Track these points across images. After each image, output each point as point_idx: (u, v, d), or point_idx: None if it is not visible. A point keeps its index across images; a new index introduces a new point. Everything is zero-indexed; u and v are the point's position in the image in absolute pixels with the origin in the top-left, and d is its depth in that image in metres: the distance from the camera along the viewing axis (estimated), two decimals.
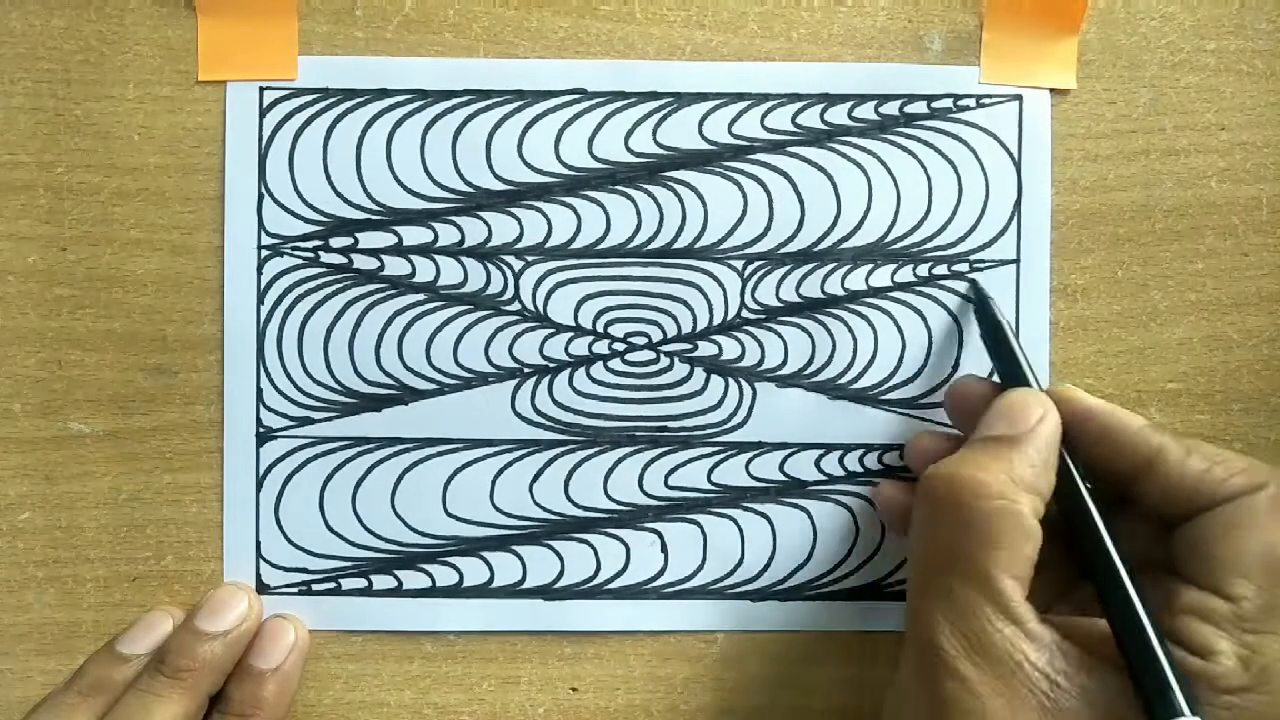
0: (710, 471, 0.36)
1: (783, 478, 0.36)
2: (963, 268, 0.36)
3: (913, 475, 0.34)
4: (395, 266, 0.35)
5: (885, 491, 0.34)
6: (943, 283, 0.36)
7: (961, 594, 0.27)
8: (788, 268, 0.36)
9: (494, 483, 0.36)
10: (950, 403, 0.34)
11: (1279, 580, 0.27)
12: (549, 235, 0.36)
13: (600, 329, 0.36)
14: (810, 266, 0.36)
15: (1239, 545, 0.27)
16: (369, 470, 0.35)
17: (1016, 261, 0.36)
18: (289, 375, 0.35)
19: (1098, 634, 0.28)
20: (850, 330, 0.36)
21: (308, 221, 0.35)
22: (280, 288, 0.35)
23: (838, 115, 0.36)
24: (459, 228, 0.36)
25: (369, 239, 0.35)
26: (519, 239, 0.36)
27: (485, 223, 0.36)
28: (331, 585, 0.35)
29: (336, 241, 0.35)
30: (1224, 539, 0.28)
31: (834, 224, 0.36)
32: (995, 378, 0.34)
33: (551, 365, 0.36)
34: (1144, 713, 0.26)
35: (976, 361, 0.35)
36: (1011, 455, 0.29)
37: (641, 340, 0.36)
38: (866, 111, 0.36)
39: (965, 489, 0.28)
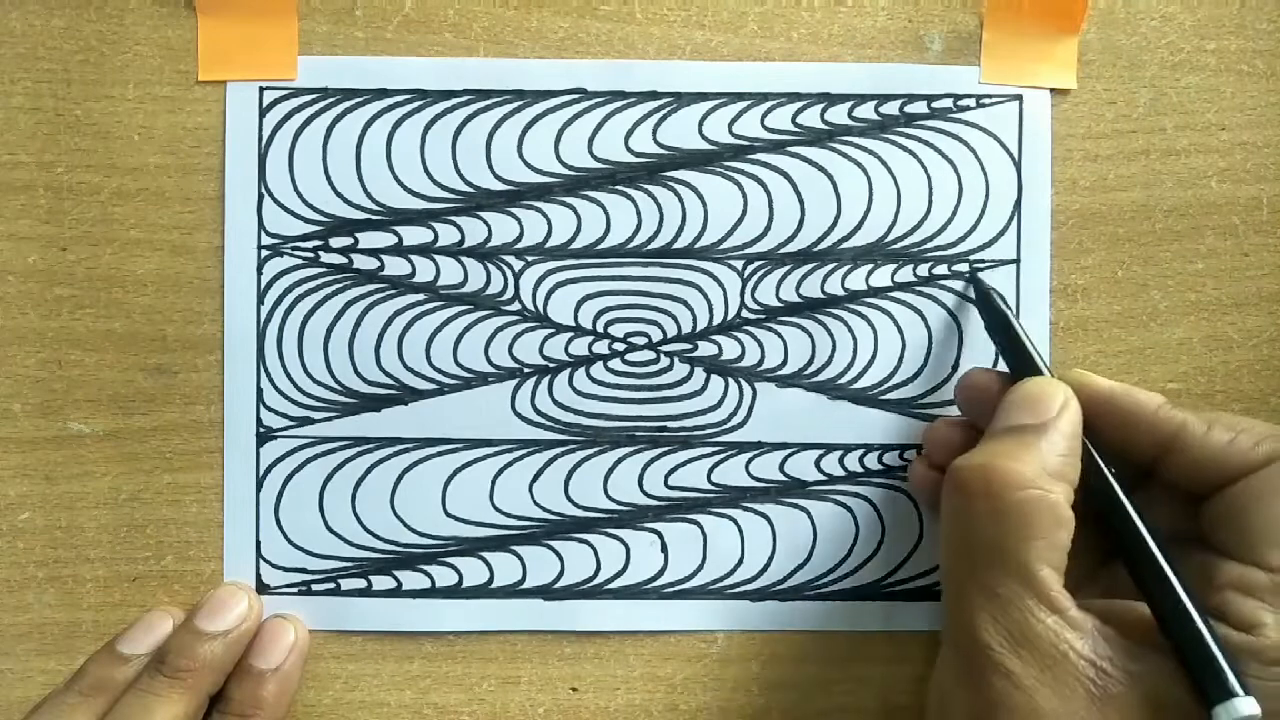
0: (710, 471, 0.36)
1: (783, 478, 0.36)
2: (963, 268, 0.36)
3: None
4: (395, 266, 0.35)
5: (919, 470, 0.34)
6: (943, 282, 0.36)
7: (1002, 587, 0.27)
8: (788, 268, 0.36)
9: (494, 483, 0.36)
10: (961, 395, 0.34)
11: None
12: (549, 235, 0.36)
13: (600, 329, 0.36)
14: (810, 266, 0.36)
15: (1273, 513, 0.27)
16: (369, 470, 0.35)
17: (1016, 261, 0.36)
18: (289, 375, 0.35)
19: (1136, 617, 0.27)
20: (850, 330, 0.36)
21: (308, 221, 0.35)
22: (280, 288, 0.35)
23: (838, 115, 0.36)
24: (459, 228, 0.36)
25: (369, 239, 0.35)
26: (519, 239, 0.36)
27: (485, 223, 0.36)
28: (331, 585, 0.35)
29: (336, 241, 0.35)
30: (1257, 508, 0.27)
31: (834, 224, 0.36)
32: (1000, 368, 0.34)
33: (551, 365, 0.36)
34: (1194, 694, 0.26)
35: (977, 361, 0.35)
36: (1039, 444, 0.28)
37: (641, 340, 0.36)
38: (867, 111, 0.36)
39: (998, 479, 0.28)
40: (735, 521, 0.36)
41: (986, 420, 0.31)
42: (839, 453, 0.36)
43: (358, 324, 0.35)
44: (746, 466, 0.36)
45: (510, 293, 0.36)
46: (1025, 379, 0.31)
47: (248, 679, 0.33)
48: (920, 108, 0.36)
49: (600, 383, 0.36)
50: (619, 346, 0.36)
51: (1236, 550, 0.28)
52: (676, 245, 0.36)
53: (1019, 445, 0.29)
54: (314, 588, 0.35)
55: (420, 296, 0.36)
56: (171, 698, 0.31)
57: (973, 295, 0.35)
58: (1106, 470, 0.29)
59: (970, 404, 0.33)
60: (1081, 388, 0.30)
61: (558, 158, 0.36)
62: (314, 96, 0.35)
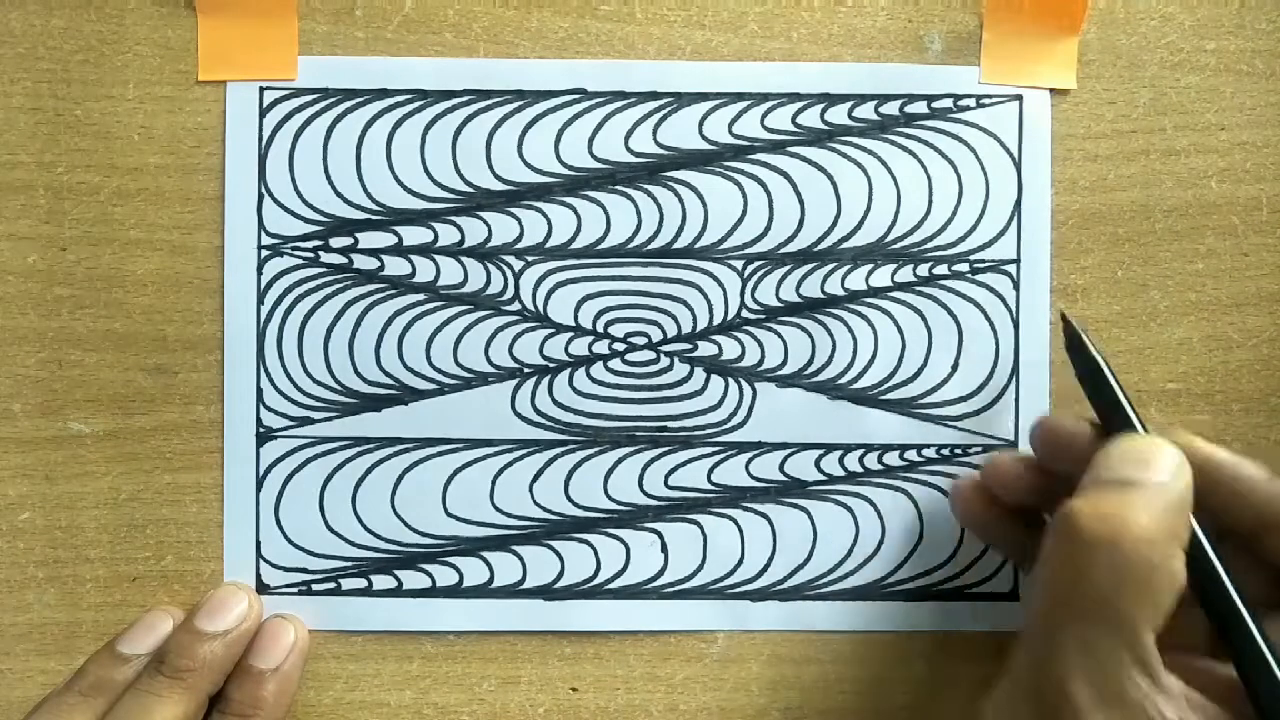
0: (710, 471, 0.36)
1: (783, 478, 0.36)
2: (963, 268, 0.36)
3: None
4: (395, 266, 0.35)
5: (968, 493, 0.33)
6: (943, 283, 0.36)
7: (1102, 643, 0.26)
8: (788, 268, 0.36)
9: (494, 483, 0.36)
10: (1043, 437, 0.32)
11: None
12: (549, 235, 0.36)
13: (600, 329, 0.36)
14: (810, 266, 0.36)
15: None
16: (369, 470, 0.35)
17: (1016, 261, 0.36)
18: (289, 375, 0.35)
19: (1224, 682, 0.27)
20: (850, 330, 0.36)
21: (308, 221, 0.35)
22: (280, 288, 0.35)
23: (838, 115, 0.36)
24: (459, 228, 0.36)
25: (369, 239, 0.35)
26: (519, 239, 0.36)
27: (485, 223, 0.36)
28: (331, 585, 0.35)
29: (336, 241, 0.35)
30: None
31: (834, 224, 0.36)
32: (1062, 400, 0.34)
33: (551, 365, 0.36)
34: None
35: (976, 361, 0.35)
36: (1160, 503, 0.27)
37: (641, 340, 0.36)
38: (866, 111, 0.36)
39: (1127, 535, 0.27)
40: (735, 521, 0.36)
41: (1063, 466, 0.30)
42: (839, 453, 0.36)
43: (358, 324, 0.35)
44: (746, 466, 0.36)
45: (510, 293, 0.36)
46: (1131, 434, 0.30)
47: (247, 679, 0.33)
48: (920, 108, 0.36)
49: (600, 383, 0.36)
50: (619, 346, 0.36)
51: None
52: (676, 245, 0.36)
53: (1142, 500, 0.27)
54: (314, 588, 0.35)
55: (420, 296, 0.36)
56: (171, 698, 0.31)
57: (1065, 337, 0.33)
58: (1203, 535, 0.29)
59: (1050, 448, 0.32)
60: (1190, 450, 0.29)
61: (558, 158, 0.36)
62: (314, 96, 0.35)
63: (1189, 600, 0.28)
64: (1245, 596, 0.28)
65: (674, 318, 0.36)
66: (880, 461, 0.36)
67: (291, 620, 0.35)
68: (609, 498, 0.36)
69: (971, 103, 0.36)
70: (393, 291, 0.36)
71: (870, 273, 0.36)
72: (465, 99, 0.35)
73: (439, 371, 0.35)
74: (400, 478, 0.35)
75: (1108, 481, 0.28)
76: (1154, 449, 0.29)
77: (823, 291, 0.36)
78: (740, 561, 0.36)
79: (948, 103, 0.36)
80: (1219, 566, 0.28)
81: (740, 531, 0.36)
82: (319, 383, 0.35)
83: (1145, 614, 0.26)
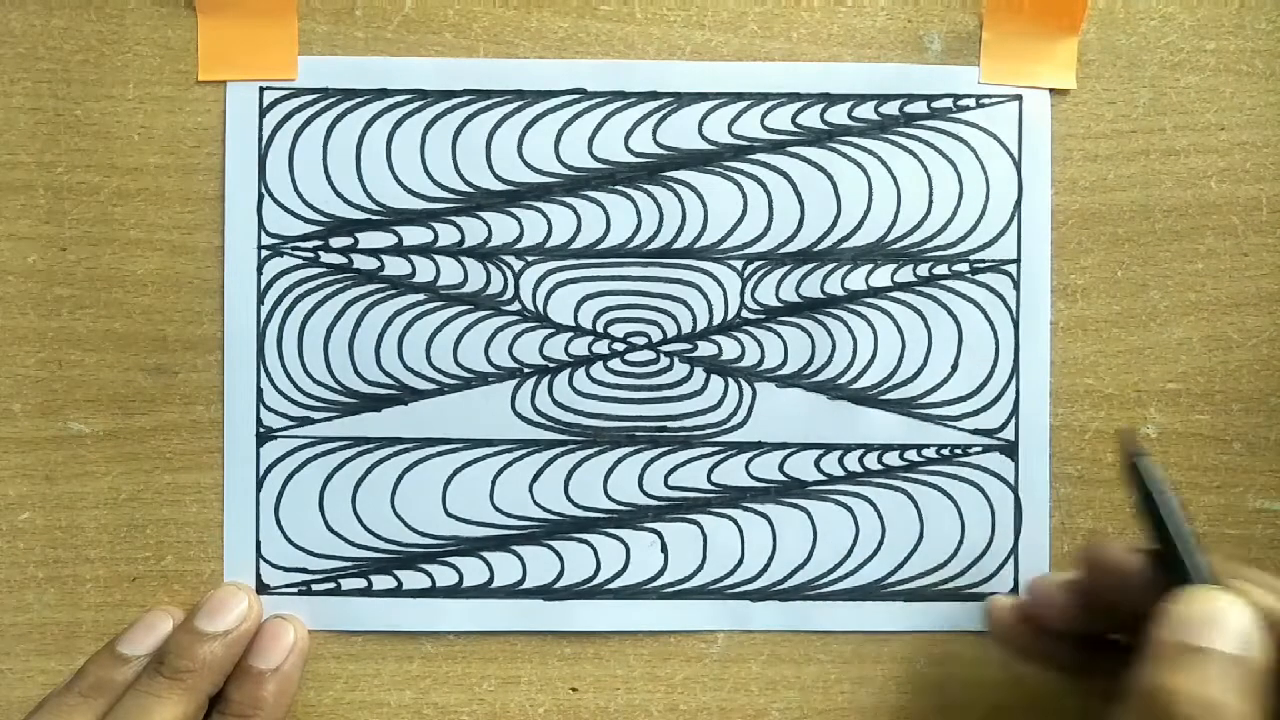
0: (710, 471, 0.36)
1: (783, 478, 0.36)
2: (963, 268, 0.36)
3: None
4: (395, 266, 0.35)
5: (1007, 617, 0.33)
6: (943, 283, 0.36)
7: None
8: (788, 268, 0.36)
9: (494, 483, 0.36)
10: (1092, 566, 0.31)
11: None
12: (549, 235, 0.36)
13: (600, 329, 0.36)
14: (810, 266, 0.36)
15: None
16: (369, 470, 0.35)
17: (1016, 261, 0.36)
18: (289, 375, 0.35)
19: None
20: (850, 330, 0.36)
21: (308, 221, 0.35)
22: (280, 288, 0.35)
23: (838, 115, 0.36)
24: (459, 228, 0.36)
25: (369, 239, 0.35)
26: (519, 239, 0.36)
27: (485, 223, 0.36)
28: (331, 585, 0.35)
29: (336, 241, 0.35)
30: None
31: (834, 224, 0.36)
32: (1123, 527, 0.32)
33: (551, 365, 0.36)
34: None
35: (976, 361, 0.35)
36: (1247, 679, 0.26)
37: (641, 340, 0.36)
38: (866, 111, 0.36)
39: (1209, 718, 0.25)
40: (735, 521, 0.36)
41: (1110, 595, 0.29)
42: (839, 453, 0.36)
43: (358, 324, 0.35)
44: (746, 466, 0.36)
45: (510, 293, 0.36)
46: (1205, 591, 0.28)
47: (247, 679, 0.33)
48: (920, 108, 0.36)
49: (600, 383, 0.36)
50: (619, 346, 0.36)
51: None
52: (676, 245, 0.36)
53: (1225, 678, 0.26)
54: (314, 588, 0.35)
55: (420, 296, 0.36)
56: (171, 698, 0.31)
57: (1133, 481, 0.31)
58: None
59: (1099, 574, 0.31)
60: (1268, 612, 0.27)
61: (558, 158, 0.36)
62: (314, 96, 0.35)
63: None
64: None
65: (674, 318, 0.36)
66: (880, 461, 0.36)
67: (291, 620, 0.35)
68: (609, 498, 0.36)
69: (971, 103, 0.36)
70: (393, 291, 0.36)
71: (870, 273, 0.36)
72: (465, 99, 0.35)
73: (439, 371, 0.35)
74: (400, 478, 0.35)
75: (1181, 647, 0.27)
76: (1229, 608, 0.27)
77: (822, 291, 0.36)
78: (740, 561, 0.36)
79: (947, 103, 0.36)
80: None
81: (740, 531, 0.36)
82: (319, 383, 0.35)
83: None
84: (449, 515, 0.36)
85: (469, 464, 0.35)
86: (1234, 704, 0.26)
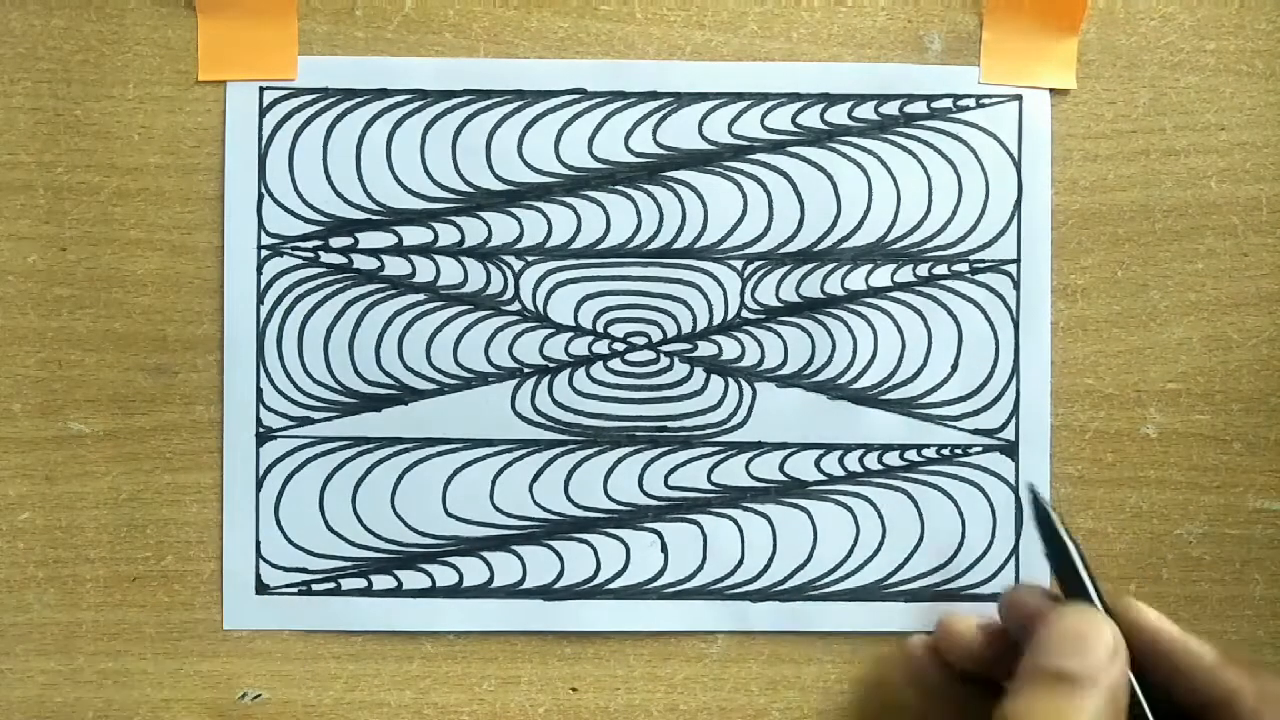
0: (710, 471, 0.36)
1: (783, 478, 0.36)
2: (963, 268, 0.36)
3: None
4: (395, 266, 0.35)
5: (920, 655, 0.32)
6: (942, 283, 0.36)
7: None
8: (788, 268, 0.36)
9: (494, 483, 0.36)
10: (1007, 611, 0.31)
11: None
12: (549, 235, 0.36)
13: (600, 329, 0.36)
14: (810, 266, 0.36)
15: None
16: (369, 470, 0.35)
17: (1016, 261, 0.36)
18: (289, 375, 0.35)
19: None
20: (850, 330, 0.36)
21: (308, 221, 0.35)
22: (280, 288, 0.35)
23: (838, 115, 0.36)
24: (459, 228, 0.36)
25: (369, 239, 0.35)
26: (519, 239, 0.36)
27: (485, 223, 0.36)
28: (331, 585, 0.35)
29: (336, 241, 0.35)
30: None
31: (834, 224, 0.36)
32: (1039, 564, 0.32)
33: (551, 365, 0.36)
34: None
35: (976, 361, 0.35)
36: (1088, 703, 0.27)
37: (641, 340, 0.36)
38: (866, 111, 0.36)
39: None
40: (735, 521, 0.36)
41: (1026, 638, 0.30)
42: (839, 453, 0.36)
43: (358, 324, 0.35)
44: (746, 466, 0.36)
45: (510, 293, 0.36)
46: (1070, 608, 0.29)
47: None
48: (920, 108, 0.36)
49: (600, 383, 0.36)
50: (619, 346, 0.36)
51: None
52: (676, 245, 0.36)
53: (1077, 704, 0.27)
54: (314, 587, 0.35)
55: (420, 296, 0.36)
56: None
57: (1032, 509, 0.33)
58: (1146, 707, 0.29)
59: (1015, 621, 0.31)
60: (1133, 627, 0.29)
61: (558, 158, 0.36)
62: (314, 96, 0.35)
63: None
64: None
65: (674, 318, 0.36)
66: (880, 461, 0.36)
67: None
68: (609, 498, 0.36)
69: (971, 103, 0.36)
70: (393, 291, 0.36)
71: (870, 273, 0.36)
72: (465, 99, 0.35)
73: (439, 371, 0.35)
74: (400, 478, 0.35)
75: (1044, 673, 0.28)
76: (1089, 629, 0.28)
77: (822, 291, 0.36)
78: (740, 562, 0.36)
79: (947, 103, 0.36)
80: None
81: (740, 531, 0.36)
82: (319, 383, 0.35)
83: None
84: (449, 515, 0.36)
85: (469, 464, 0.35)
86: None
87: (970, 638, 0.32)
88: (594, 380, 0.36)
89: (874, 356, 0.36)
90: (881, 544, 0.36)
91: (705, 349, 0.36)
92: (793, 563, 0.36)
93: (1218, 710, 0.29)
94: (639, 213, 0.36)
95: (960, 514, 0.36)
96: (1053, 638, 0.29)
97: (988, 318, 0.36)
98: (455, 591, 0.36)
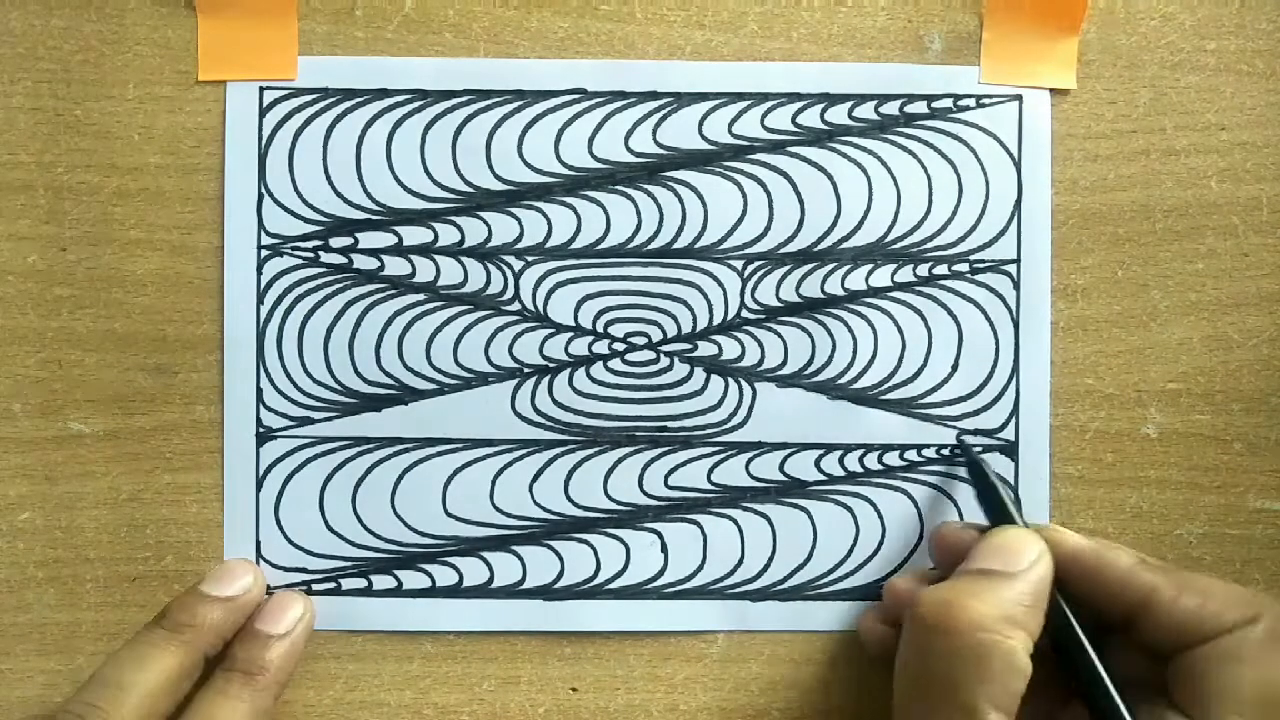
0: (710, 471, 0.36)
1: (783, 478, 0.36)
2: (963, 268, 0.36)
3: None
4: (395, 266, 0.35)
5: (869, 623, 0.34)
6: (943, 283, 0.36)
7: None
8: (788, 268, 0.36)
9: (494, 483, 0.36)
10: (935, 545, 0.34)
11: (1273, 715, 0.27)
12: (549, 235, 0.36)
13: (600, 329, 0.36)
14: (810, 266, 0.36)
15: (1232, 680, 0.28)
16: (369, 470, 0.35)
17: (1016, 261, 0.36)
18: (289, 375, 0.35)
19: None
20: (850, 330, 0.36)
21: (308, 221, 0.35)
22: (280, 288, 0.35)
23: (838, 115, 0.36)
24: (459, 228, 0.36)
25: (369, 239, 0.35)
26: (519, 239, 0.36)
27: (485, 223, 0.36)
28: (331, 585, 0.35)
29: (336, 241, 0.35)
30: (1217, 673, 0.28)
31: (834, 224, 0.36)
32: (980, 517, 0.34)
33: (551, 365, 0.36)
34: None
35: (976, 361, 0.35)
36: (1005, 590, 0.29)
37: (641, 340, 0.36)
38: (866, 111, 0.36)
39: (958, 618, 0.28)
40: (735, 521, 0.36)
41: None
42: (839, 453, 0.36)
43: (358, 324, 0.35)
44: (746, 466, 0.36)
45: (510, 293, 0.36)
46: (1001, 528, 0.31)
47: (254, 641, 0.33)
48: (920, 108, 0.36)
49: (600, 383, 0.36)
50: (619, 346, 0.36)
51: (1193, 711, 0.28)
52: (676, 245, 0.36)
53: (985, 588, 0.29)
54: (314, 588, 0.35)
55: (420, 296, 0.36)
56: (168, 649, 0.32)
57: (962, 457, 0.35)
58: (1073, 621, 0.30)
59: (943, 555, 0.33)
60: (1055, 544, 0.31)
61: (558, 158, 0.36)
62: (314, 96, 0.35)
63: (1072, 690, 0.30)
64: (1124, 687, 0.29)
65: (674, 318, 0.36)
66: (880, 461, 0.36)
67: (300, 595, 0.35)
68: (609, 498, 0.36)
69: (971, 103, 0.36)
70: (393, 291, 0.36)
71: (870, 273, 0.36)
72: (465, 99, 0.35)
73: (439, 371, 0.35)
74: (400, 478, 0.35)
75: (966, 570, 0.30)
76: (1016, 541, 0.30)
77: (823, 291, 0.36)
78: (740, 561, 0.36)
79: (948, 103, 0.36)
80: (1089, 650, 0.30)
81: (740, 531, 0.36)
82: (319, 383, 0.35)
83: (986, 694, 0.27)
84: (449, 515, 0.36)
85: (469, 464, 0.35)
86: (1018, 615, 0.28)
87: (909, 590, 0.33)
88: (594, 380, 0.36)
89: (874, 356, 0.36)
90: (881, 544, 0.36)
91: (705, 349, 0.36)
92: (793, 562, 0.36)
93: (1140, 612, 0.30)
94: (639, 213, 0.36)
95: (961, 514, 0.36)
96: (982, 550, 0.31)
97: (988, 318, 0.36)
98: (455, 591, 0.36)
